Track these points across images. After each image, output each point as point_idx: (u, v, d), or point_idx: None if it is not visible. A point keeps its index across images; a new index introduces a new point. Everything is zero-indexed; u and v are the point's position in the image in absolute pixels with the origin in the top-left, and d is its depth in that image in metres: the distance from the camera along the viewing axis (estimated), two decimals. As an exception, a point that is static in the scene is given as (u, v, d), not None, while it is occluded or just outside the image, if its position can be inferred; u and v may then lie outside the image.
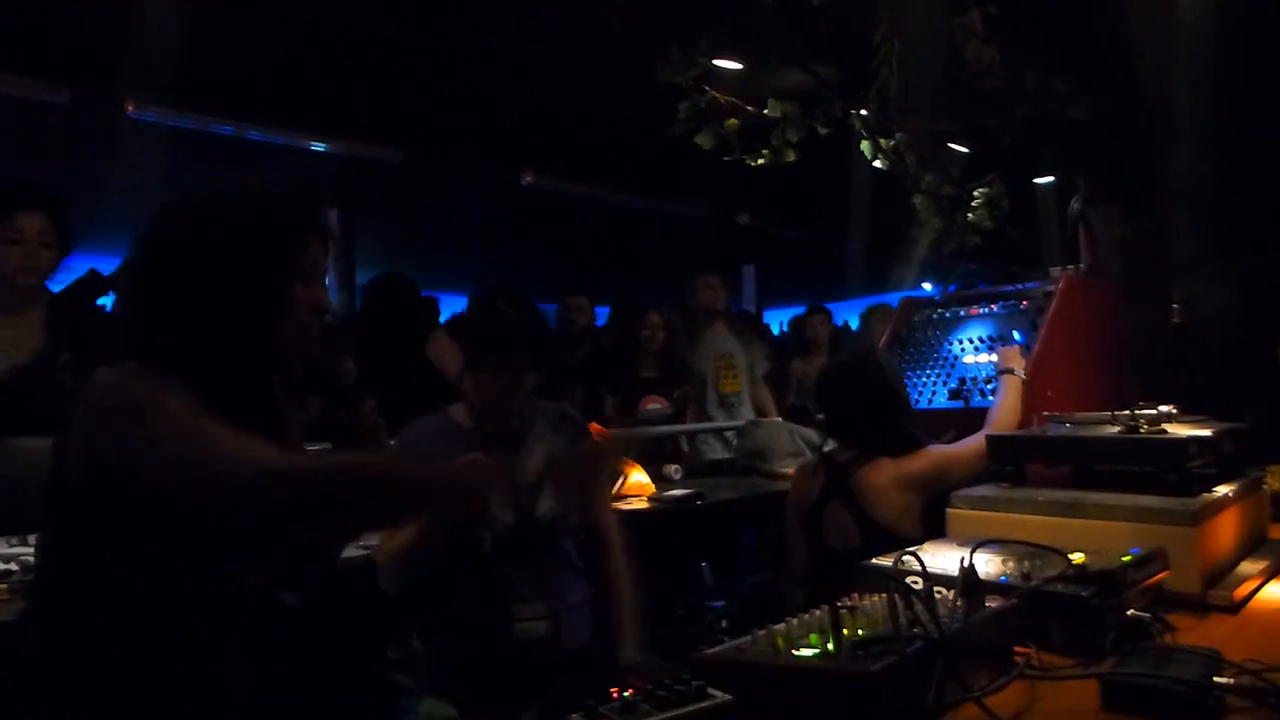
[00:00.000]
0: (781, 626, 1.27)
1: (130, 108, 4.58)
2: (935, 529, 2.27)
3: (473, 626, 1.99)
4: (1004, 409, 2.46)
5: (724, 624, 3.20)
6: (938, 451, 2.37)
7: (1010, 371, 2.55)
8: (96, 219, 3.42)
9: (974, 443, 2.35)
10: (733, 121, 2.99)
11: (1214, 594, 1.60)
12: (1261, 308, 3.95)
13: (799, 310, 6.97)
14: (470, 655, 1.96)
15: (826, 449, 2.52)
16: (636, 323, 4.50)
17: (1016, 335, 2.83)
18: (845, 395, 2.48)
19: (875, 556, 2.16)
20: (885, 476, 2.31)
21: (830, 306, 6.34)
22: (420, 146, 5.72)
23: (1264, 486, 2.10)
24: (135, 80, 4.41)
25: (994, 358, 2.80)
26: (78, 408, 1.25)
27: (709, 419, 4.40)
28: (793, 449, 3.67)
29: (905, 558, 1.38)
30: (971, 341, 2.94)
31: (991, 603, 1.31)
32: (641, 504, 3.14)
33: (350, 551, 2.37)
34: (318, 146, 5.42)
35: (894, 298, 4.21)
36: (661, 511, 3.08)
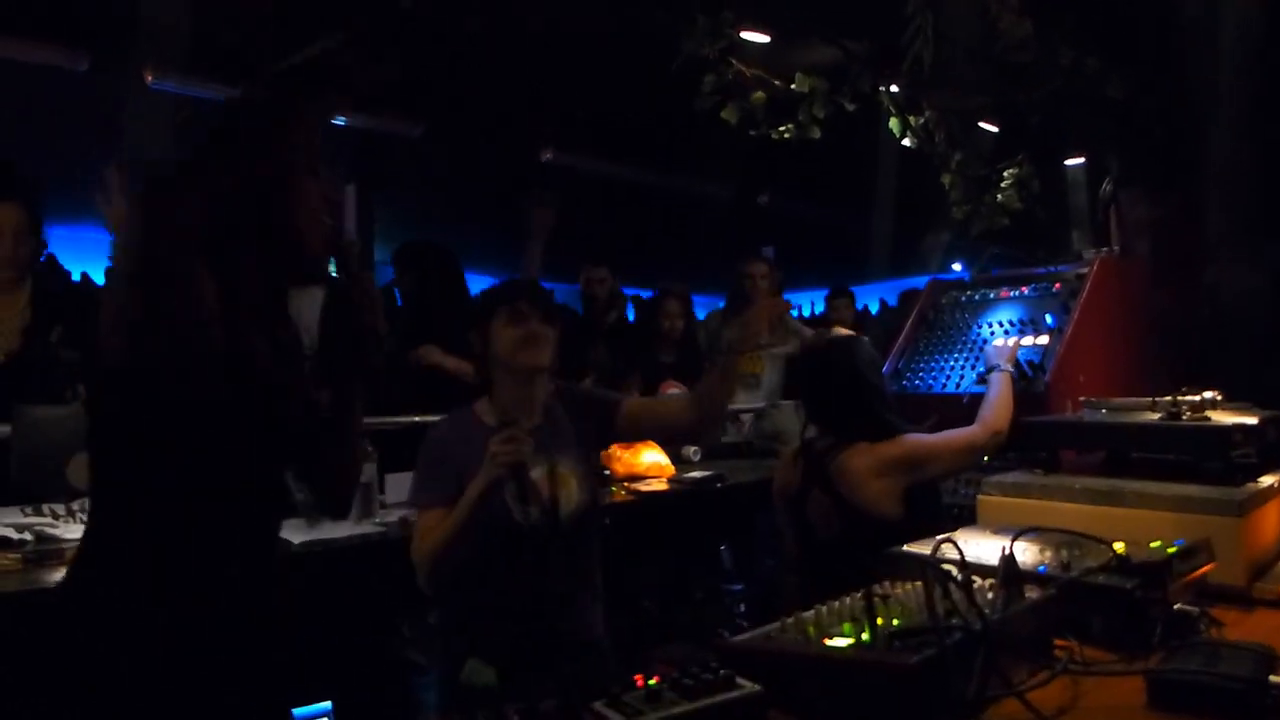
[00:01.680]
0: (811, 614, 1.22)
1: (150, 77, 4.54)
2: (919, 509, 2.25)
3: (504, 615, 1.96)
4: (996, 405, 2.37)
5: (742, 607, 3.16)
6: (915, 441, 2.28)
7: (999, 368, 2.47)
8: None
9: (956, 438, 2.29)
10: (760, 95, 2.91)
11: (1260, 587, 1.55)
12: (1288, 293, 3.84)
13: (818, 293, 6.89)
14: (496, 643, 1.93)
15: (807, 436, 2.46)
16: (656, 311, 4.47)
17: (1048, 318, 2.76)
18: (819, 381, 2.42)
19: (858, 541, 2.11)
20: (863, 462, 2.22)
21: (851, 290, 6.26)
22: (439, 121, 5.64)
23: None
24: (155, 49, 4.37)
25: (1026, 341, 2.74)
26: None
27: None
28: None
29: (943, 546, 1.32)
30: (1002, 325, 2.87)
31: (1030, 593, 1.26)
32: (661, 485, 3.10)
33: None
34: (337, 120, 5.36)
35: (920, 280, 4.13)
36: (681, 493, 3.04)
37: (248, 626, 1.33)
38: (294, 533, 2.30)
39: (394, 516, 2.52)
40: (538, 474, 1.95)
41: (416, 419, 3.09)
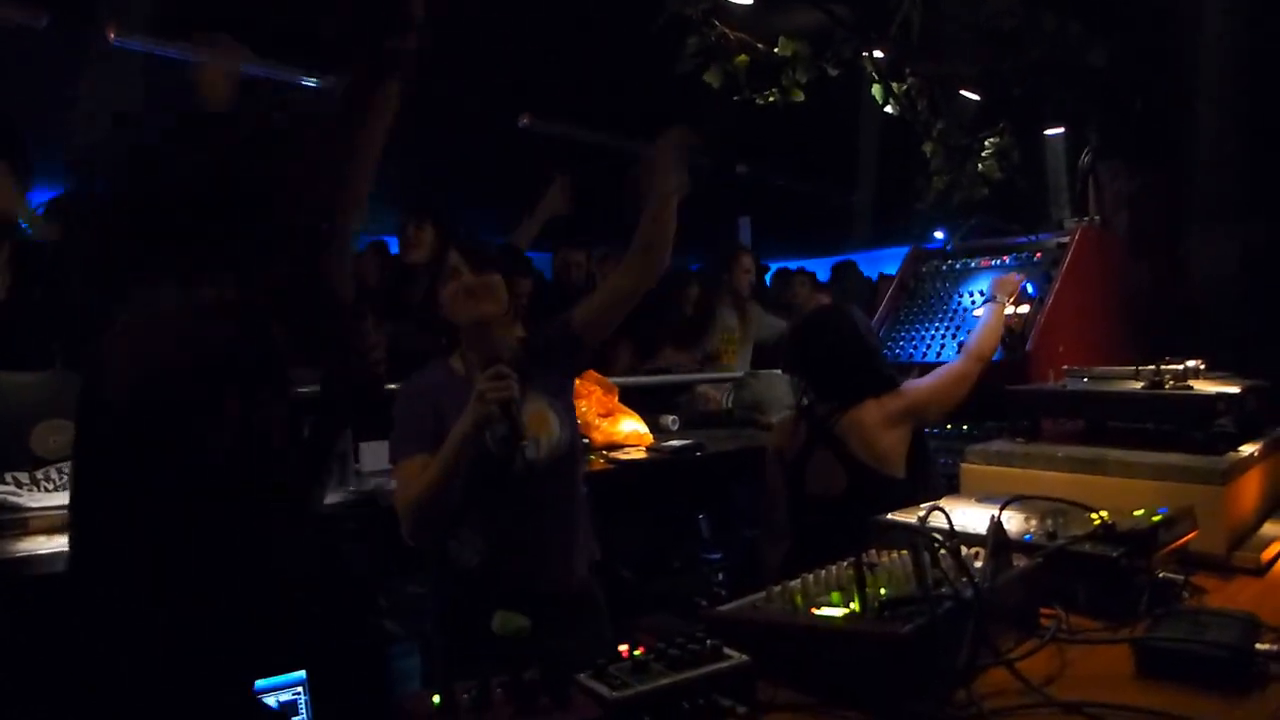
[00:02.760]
0: (798, 583, 1.20)
1: (112, 35, 4.38)
2: (919, 472, 2.34)
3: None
4: (983, 333, 2.48)
5: (720, 576, 3.16)
6: (915, 388, 2.39)
7: (995, 300, 2.56)
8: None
9: (948, 374, 2.40)
10: (743, 58, 2.86)
11: (1240, 556, 1.55)
12: (1261, 271, 3.88)
13: (794, 265, 6.87)
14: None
15: (804, 402, 2.51)
16: (678, 290, 4.41)
17: (1029, 288, 2.75)
18: (821, 350, 2.48)
19: (862, 499, 2.20)
20: (872, 416, 2.32)
21: (830, 260, 6.25)
22: (414, 84, 5.54)
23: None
24: (118, 5, 4.22)
25: (1006, 310, 2.73)
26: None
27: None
28: (791, 401, 3.62)
29: (931, 514, 1.31)
30: (982, 294, 2.86)
31: (1018, 562, 1.25)
32: (640, 454, 3.07)
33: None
34: (309, 81, 5.22)
35: (899, 252, 4.12)
36: (659, 461, 3.02)
37: (247, 627, 1.28)
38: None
39: (369, 485, 2.48)
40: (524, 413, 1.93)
41: (392, 387, 3.05)
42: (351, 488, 2.47)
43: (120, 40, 4.40)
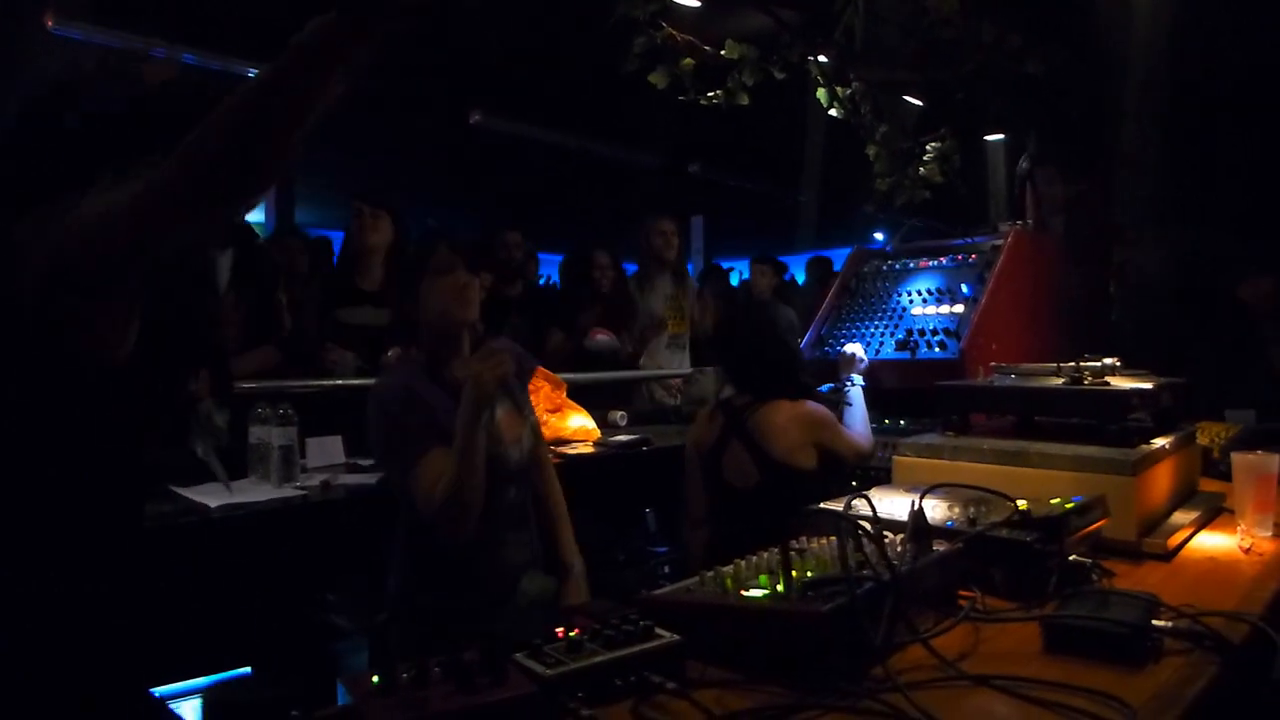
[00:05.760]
0: (730, 568, 1.26)
1: (50, 22, 4.29)
2: (830, 461, 2.42)
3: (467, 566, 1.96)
4: (866, 421, 2.60)
5: (666, 570, 3.21)
6: (826, 411, 2.46)
7: (853, 383, 2.66)
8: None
9: (854, 438, 2.48)
10: (688, 61, 2.91)
11: (1149, 542, 1.64)
12: (1190, 277, 4.06)
13: (743, 262, 6.94)
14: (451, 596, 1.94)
15: (723, 395, 2.60)
16: (586, 263, 4.47)
17: (964, 288, 2.85)
18: (742, 345, 2.56)
19: (774, 492, 2.31)
20: (782, 415, 2.39)
21: (779, 259, 6.32)
22: (364, 78, 5.50)
23: (1195, 440, 2.16)
24: (56, -7, 4.13)
25: (943, 310, 2.83)
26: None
27: (663, 357, 4.41)
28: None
29: (855, 501, 1.37)
30: (920, 294, 2.95)
31: (938, 546, 1.31)
32: (587, 449, 3.11)
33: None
34: (255, 73, 5.16)
35: (843, 252, 4.22)
36: (607, 456, 3.06)
37: (106, 608, 1.25)
38: (212, 497, 2.25)
39: (315, 480, 2.48)
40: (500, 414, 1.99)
41: (339, 383, 3.05)
42: (298, 483, 2.47)
43: (60, 28, 4.32)
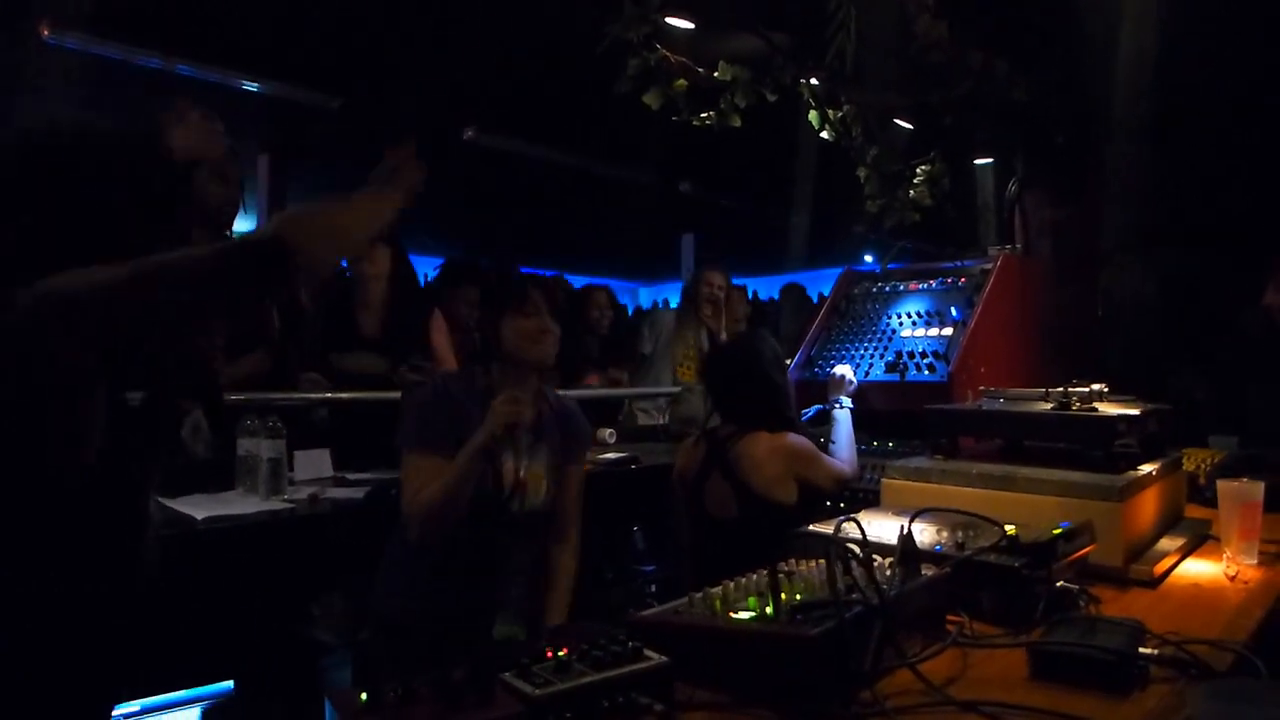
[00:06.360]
0: (719, 590, 1.26)
1: (45, 32, 4.29)
2: (808, 497, 2.43)
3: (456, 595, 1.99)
4: (851, 445, 2.61)
5: (653, 588, 3.20)
6: (806, 443, 2.48)
7: (840, 405, 2.68)
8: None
9: (833, 466, 2.50)
10: (681, 82, 2.93)
11: (1135, 568, 1.65)
12: (1174, 297, 4.10)
13: (737, 281, 6.95)
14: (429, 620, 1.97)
15: (710, 425, 2.62)
16: (586, 301, 4.49)
17: (954, 311, 2.87)
18: (728, 376, 2.60)
19: (753, 524, 2.32)
20: (762, 448, 2.41)
21: (769, 279, 6.36)
22: (358, 93, 5.50)
23: (1182, 467, 2.17)
24: (52, 2, 4.14)
25: (932, 333, 2.84)
26: None
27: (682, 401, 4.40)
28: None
29: (844, 524, 1.37)
30: (910, 316, 2.97)
31: (927, 571, 1.32)
32: (575, 466, 3.11)
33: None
34: (249, 86, 5.16)
35: (830, 273, 4.24)
36: (595, 474, 3.05)
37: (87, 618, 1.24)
38: (198, 508, 2.24)
39: (302, 494, 2.47)
40: (517, 464, 2.03)
41: (328, 395, 3.03)
42: (285, 496, 2.46)
43: (55, 38, 4.32)
